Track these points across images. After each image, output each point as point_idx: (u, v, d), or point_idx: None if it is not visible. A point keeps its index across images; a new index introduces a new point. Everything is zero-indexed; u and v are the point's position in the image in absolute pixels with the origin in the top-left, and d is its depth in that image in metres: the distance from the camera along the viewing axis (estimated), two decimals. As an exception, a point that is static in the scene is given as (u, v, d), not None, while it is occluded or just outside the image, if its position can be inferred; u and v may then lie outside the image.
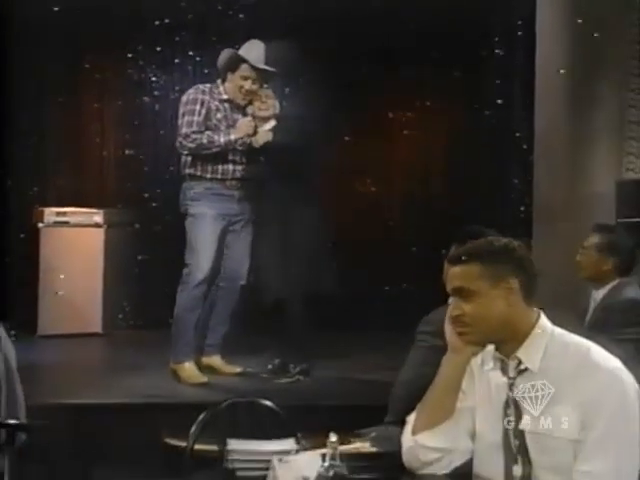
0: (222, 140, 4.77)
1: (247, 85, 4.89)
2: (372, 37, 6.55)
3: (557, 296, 4.42)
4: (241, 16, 6.66)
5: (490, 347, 2.20)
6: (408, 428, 2.25)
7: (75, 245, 6.36)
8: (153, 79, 6.84)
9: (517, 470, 2.09)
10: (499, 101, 6.50)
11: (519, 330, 2.13)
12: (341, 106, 6.41)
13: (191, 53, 6.77)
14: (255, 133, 4.85)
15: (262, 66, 4.91)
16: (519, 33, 6.07)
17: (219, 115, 4.89)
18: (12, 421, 2.11)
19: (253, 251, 4.91)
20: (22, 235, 6.39)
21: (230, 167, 4.83)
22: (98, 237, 6.45)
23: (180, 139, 4.79)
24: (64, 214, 6.40)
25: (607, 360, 2.07)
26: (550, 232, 5.26)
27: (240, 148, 4.82)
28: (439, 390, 2.22)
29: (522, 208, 5.94)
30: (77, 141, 6.94)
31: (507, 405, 2.13)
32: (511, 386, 2.13)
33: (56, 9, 6.23)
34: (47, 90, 6.65)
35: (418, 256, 6.35)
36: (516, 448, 2.10)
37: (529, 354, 2.12)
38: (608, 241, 3.89)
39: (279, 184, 4.80)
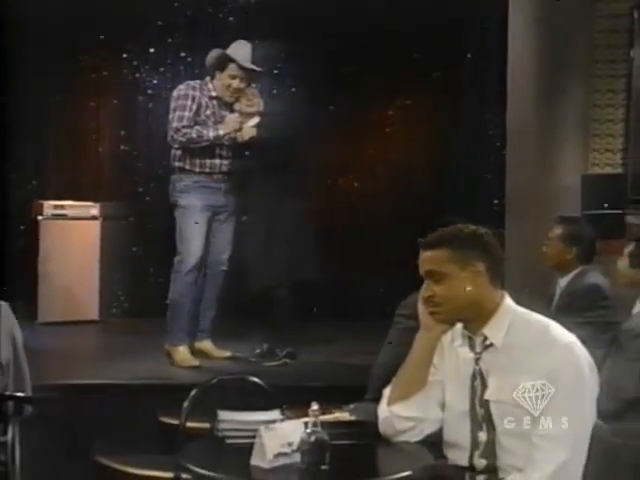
0: (211, 135, 4.95)
1: (235, 83, 5.03)
2: (353, 37, 6.72)
3: (527, 282, 4.69)
4: (231, 18, 6.92)
5: (459, 325, 2.36)
6: (384, 400, 2.42)
7: (73, 237, 6.49)
8: (147, 78, 7.00)
9: (482, 436, 2.25)
10: (474, 100, 6.72)
11: (485, 309, 2.28)
12: (325, 104, 6.60)
13: (183, 54, 6.94)
14: (241, 129, 5.03)
15: (249, 66, 5.05)
16: (492, 36, 6.28)
17: (208, 111, 5.03)
18: (19, 394, 2.25)
19: (239, 240, 5.09)
20: (22, 227, 6.59)
21: (217, 161, 5.02)
22: (95, 229, 6.59)
23: (171, 133, 4.97)
24: (62, 207, 6.52)
25: (564, 336, 2.24)
26: (521, 224, 5.45)
27: (227, 143, 5.01)
28: (412, 364, 2.38)
29: (496, 201, 6.19)
30: (74, 138, 7.05)
31: (474, 377, 2.28)
32: (477, 360, 2.29)
33: (54, 11, 6.42)
34: (46, 89, 6.74)
35: (399, 245, 6.56)
36: (481, 416, 2.26)
37: (494, 331, 2.27)
38: (570, 232, 4.10)
39: (263, 177, 4.95)
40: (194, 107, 4.98)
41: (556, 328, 2.27)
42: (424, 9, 6.45)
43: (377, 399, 2.51)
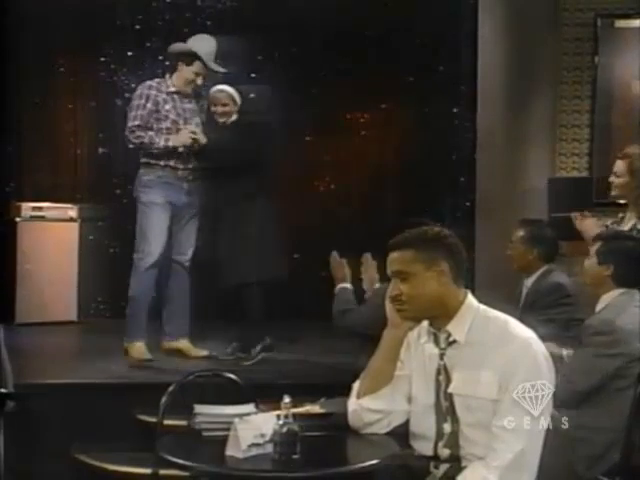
0: (162, 144, 4.85)
1: (199, 80, 5.01)
2: (327, 40, 6.87)
3: (496, 282, 4.85)
4: (208, 22, 7.01)
5: (425, 322, 2.46)
6: (353, 393, 2.51)
7: (51, 238, 6.54)
8: (124, 81, 7.07)
9: (447, 427, 2.35)
10: (445, 105, 6.86)
11: (449, 307, 2.38)
12: (295, 106, 6.66)
13: (160, 57, 6.90)
14: (195, 142, 4.89)
15: (215, 67, 5.01)
16: (463, 43, 6.43)
17: (167, 106, 4.95)
18: (1, 390, 2.31)
19: (206, 239, 5.04)
20: (0, 229, 6.59)
21: (181, 158, 4.94)
22: (73, 231, 6.65)
23: (126, 132, 4.88)
24: (40, 209, 6.55)
25: (522, 331, 2.34)
26: (490, 225, 5.60)
27: (180, 151, 4.89)
28: (380, 359, 2.47)
29: (467, 204, 6.33)
30: (52, 140, 7.10)
31: (439, 372, 2.38)
32: (442, 356, 2.38)
33: (34, 14, 6.47)
34: (24, 91, 6.77)
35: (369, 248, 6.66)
36: (445, 408, 2.36)
37: (457, 328, 2.36)
38: (532, 233, 4.22)
39: (228, 178, 4.87)
40: (149, 105, 4.91)
41: (515, 324, 2.37)
42: (398, 15, 6.61)
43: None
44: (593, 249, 3.30)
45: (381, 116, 7.35)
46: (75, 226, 6.69)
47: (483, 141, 5.92)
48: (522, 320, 2.45)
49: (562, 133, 5.84)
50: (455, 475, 2.28)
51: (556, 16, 5.82)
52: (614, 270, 3.20)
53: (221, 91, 5.03)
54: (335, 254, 4.09)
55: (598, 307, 3.25)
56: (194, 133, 4.93)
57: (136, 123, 4.88)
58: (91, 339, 6.20)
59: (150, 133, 4.89)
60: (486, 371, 2.29)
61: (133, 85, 7.02)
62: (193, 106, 5.11)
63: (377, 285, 3.83)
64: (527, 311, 3.98)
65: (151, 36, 6.99)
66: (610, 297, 3.20)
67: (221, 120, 5.04)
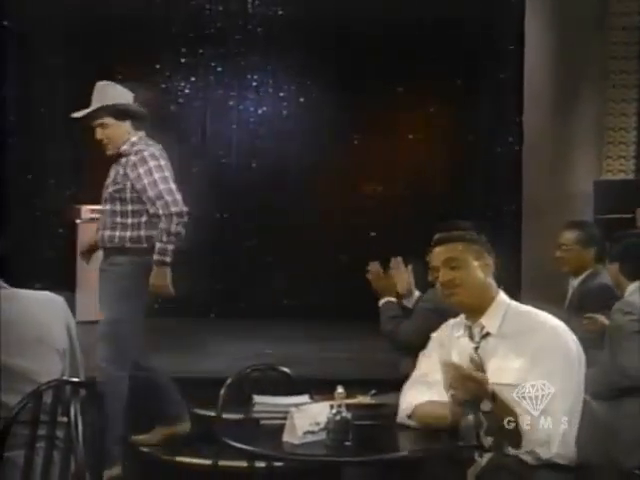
0: None
1: (98, 134, 3.95)
2: (377, 46, 6.97)
3: (541, 283, 4.90)
4: (259, 29, 7.21)
5: (458, 318, 2.60)
6: (405, 407, 2.55)
7: None
8: (178, 88, 7.30)
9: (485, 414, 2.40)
10: (493, 108, 6.95)
11: (486, 299, 2.53)
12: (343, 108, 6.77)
13: (213, 64, 7.25)
14: None
15: (79, 114, 3.95)
16: (510, 47, 6.52)
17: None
18: (75, 379, 2.45)
19: None
20: (61, 230, 6.92)
21: None
22: None
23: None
24: (98, 211, 6.84)
25: (550, 320, 2.47)
26: (537, 226, 5.65)
27: None
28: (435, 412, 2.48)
29: (513, 207, 6.40)
30: None
31: (473, 363, 2.44)
32: (476, 349, 2.50)
33: (92, 25, 6.72)
34: (84, 100, 7.05)
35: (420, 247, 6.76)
36: None
37: (490, 320, 2.51)
38: (586, 234, 4.18)
39: None
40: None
41: (544, 315, 2.50)
42: (445, 18, 6.70)
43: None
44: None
45: (428, 119, 7.45)
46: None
47: (530, 143, 5.98)
48: (568, 320, 2.55)
49: (609, 136, 5.88)
50: (499, 463, 2.37)
51: (603, 20, 5.85)
52: (621, 266, 3.41)
53: None
54: (374, 264, 3.72)
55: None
56: None
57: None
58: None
59: None
60: (518, 359, 2.41)
61: (187, 91, 7.29)
62: None
63: (416, 293, 3.75)
64: (573, 312, 4.00)
65: (204, 43, 7.21)
66: (632, 288, 3.38)
67: None
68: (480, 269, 2.56)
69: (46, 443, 2.32)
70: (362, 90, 7.11)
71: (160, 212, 3.75)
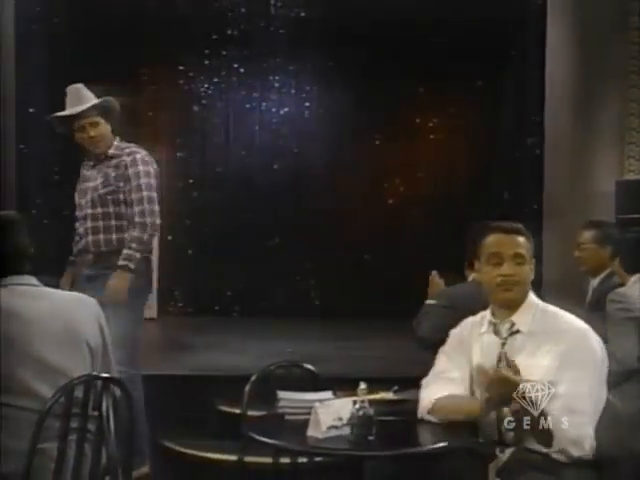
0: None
1: (89, 132, 3.78)
2: (399, 48, 7.01)
3: (562, 282, 4.92)
4: (281, 31, 7.28)
5: (486, 312, 2.60)
6: (425, 403, 2.58)
7: None
8: (201, 89, 7.39)
9: (506, 410, 2.37)
10: (514, 109, 6.97)
11: (524, 298, 2.55)
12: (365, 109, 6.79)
13: (236, 65, 7.34)
14: None
15: (72, 111, 3.80)
16: (532, 48, 6.52)
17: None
18: (106, 375, 2.52)
19: None
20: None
21: None
22: None
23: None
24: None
25: (577, 322, 2.51)
26: (558, 226, 5.67)
27: None
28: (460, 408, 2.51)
29: (535, 206, 6.42)
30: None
31: (499, 359, 2.49)
32: (503, 345, 2.51)
33: (117, 29, 6.82)
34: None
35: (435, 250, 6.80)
36: None
37: (521, 319, 2.52)
38: (604, 233, 4.16)
39: None
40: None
41: (570, 317, 2.53)
42: (466, 19, 6.73)
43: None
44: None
45: (449, 119, 7.50)
46: (157, 227, 7.01)
47: (551, 143, 5.98)
48: (588, 319, 2.57)
49: (631, 136, 5.86)
50: (520, 459, 2.41)
51: (624, 20, 5.85)
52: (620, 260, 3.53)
53: None
54: (434, 274, 3.74)
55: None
56: None
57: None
58: (169, 334, 6.50)
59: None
60: (545, 358, 2.44)
61: (210, 92, 7.37)
62: None
63: None
64: (592, 310, 3.98)
65: (227, 45, 7.29)
66: (631, 281, 3.43)
67: None
68: (531, 268, 2.57)
69: (78, 435, 2.38)
70: (383, 91, 7.17)
71: (136, 219, 3.68)
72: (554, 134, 5.99)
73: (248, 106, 7.52)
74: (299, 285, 7.46)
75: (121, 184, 3.75)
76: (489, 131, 7.19)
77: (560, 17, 6.01)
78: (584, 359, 2.44)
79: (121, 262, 3.68)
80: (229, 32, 7.26)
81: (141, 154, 3.79)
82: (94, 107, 3.79)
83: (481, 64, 7.01)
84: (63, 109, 3.83)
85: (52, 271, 3.14)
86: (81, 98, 3.81)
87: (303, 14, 7.31)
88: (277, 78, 7.52)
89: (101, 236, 3.76)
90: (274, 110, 7.58)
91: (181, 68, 7.36)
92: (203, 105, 7.42)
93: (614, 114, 5.84)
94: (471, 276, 3.36)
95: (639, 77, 5.88)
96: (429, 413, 2.60)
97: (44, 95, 6.82)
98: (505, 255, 2.54)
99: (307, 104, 7.53)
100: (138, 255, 3.70)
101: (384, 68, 7.14)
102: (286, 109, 7.57)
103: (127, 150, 3.81)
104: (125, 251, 3.68)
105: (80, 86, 3.88)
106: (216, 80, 7.39)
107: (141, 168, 3.75)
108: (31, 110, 6.80)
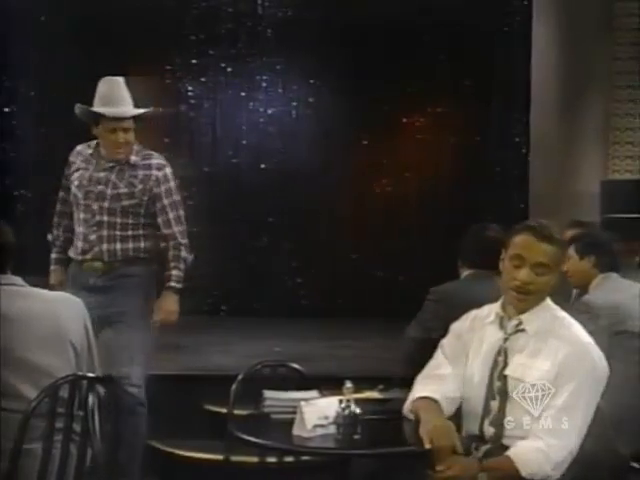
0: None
1: (120, 138, 3.59)
2: (384, 46, 7.04)
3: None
4: (269, 31, 7.28)
5: (490, 306, 2.54)
6: (407, 400, 2.55)
7: None
8: (188, 88, 7.37)
9: (494, 405, 2.43)
10: (500, 109, 7.00)
11: (539, 303, 2.45)
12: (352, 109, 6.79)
13: (223, 65, 7.32)
14: None
15: (122, 113, 3.61)
16: (517, 49, 6.58)
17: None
18: (91, 374, 2.51)
19: None
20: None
21: None
22: None
23: None
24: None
25: (583, 335, 2.45)
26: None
27: None
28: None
29: (521, 205, 6.46)
30: None
31: (498, 353, 2.45)
32: (505, 340, 2.46)
33: (106, 26, 6.80)
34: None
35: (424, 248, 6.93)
36: (497, 388, 2.43)
37: (530, 319, 2.43)
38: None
39: None
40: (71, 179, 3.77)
41: (578, 328, 2.48)
42: (452, 19, 6.76)
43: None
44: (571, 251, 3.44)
45: (436, 119, 7.51)
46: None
47: (537, 143, 6.02)
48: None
49: (615, 136, 5.91)
50: (495, 456, 2.38)
51: (609, 21, 5.89)
52: (596, 259, 3.37)
53: None
54: None
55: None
56: None
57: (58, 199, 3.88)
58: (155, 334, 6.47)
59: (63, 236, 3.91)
60: (545, 362, 2.40)
61: (197, 92, 7.36)
62: None
63: None
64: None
65: (214, 44, 7.29)
66: (595, 283, 3.39)
67: None
68: (556, 278, 2.44)
69: (63, 435, 2.39)
70: (370, 90, 7.17)
71: (180, 239, 3.66)
72: (540, 134, 6.03)
73: (235, 106, 7.52)
74: (286, 285, 7.46)
75: (145, 198, 3.63)
76: (476, 131, 7.21)
77: (545, 18, 6.04)
78: (583, 375, 2.41)
79: (173, 284, 3.66)
80: (216, 32, 7.26)
81: (169, 168, 3.69)
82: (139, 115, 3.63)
83: (467, 64, 7.03)
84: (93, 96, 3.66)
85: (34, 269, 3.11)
86: (123, 98, 3.64)
87: (290, 14, 7.31)
88: (264, 78, 7.51)
89: (118, 245, 3.64)
90: (261, 110, 7.57)
91: (168, 67, 7.34)
92: (190, 104, 7.40)
93: (599, 114, 5.89)
94: (464, 274, 3.38)
95: (624, 77, 5.93)
96: (410, 412, 2.58)
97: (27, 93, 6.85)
98: (527, 261, 2.39)
99: (294, 104, 7.53)
100: (182, 275, 3.67)
101: (371, 68, 7.15)
102: (273, 109, 7.57)
103: (154, 162, 3.67)
104: (174, 272, 3.65)
105: (121, 81, 3.68)
106: (203, 80, 7.37)
107: (172, 185, 3.67)
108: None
